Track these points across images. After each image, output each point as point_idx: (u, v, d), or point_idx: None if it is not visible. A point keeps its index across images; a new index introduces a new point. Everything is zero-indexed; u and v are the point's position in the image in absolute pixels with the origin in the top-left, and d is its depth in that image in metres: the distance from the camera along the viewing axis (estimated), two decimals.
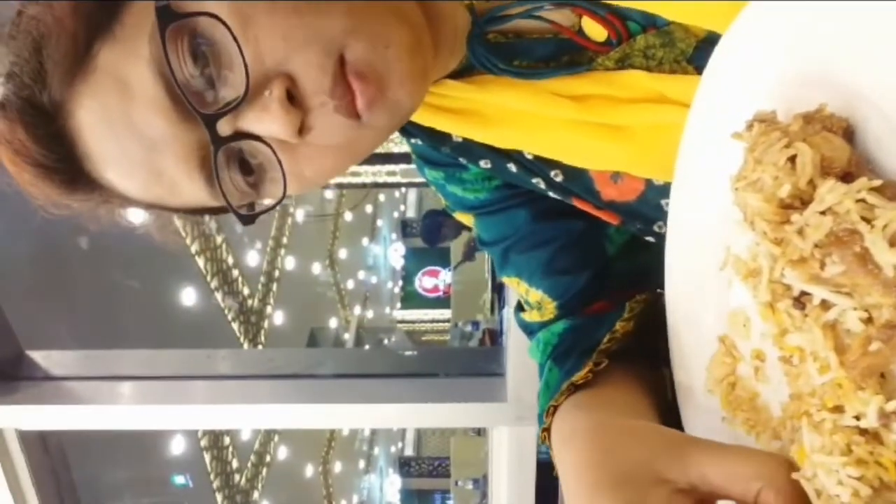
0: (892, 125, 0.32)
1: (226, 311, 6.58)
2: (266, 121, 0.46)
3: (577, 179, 0.61)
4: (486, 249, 0.71)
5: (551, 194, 0.63)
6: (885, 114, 0.32)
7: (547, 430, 0.54)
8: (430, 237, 9.05)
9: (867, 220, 0.29)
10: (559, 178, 0.62)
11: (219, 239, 6.17)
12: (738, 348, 0.47)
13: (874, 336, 0.30)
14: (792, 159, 0.33)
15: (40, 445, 1.69)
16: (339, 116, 0.47)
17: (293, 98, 0.46)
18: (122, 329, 4.80)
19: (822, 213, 0.31)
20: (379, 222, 14.32)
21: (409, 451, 15.34)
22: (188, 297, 5.99)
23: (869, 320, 0.30)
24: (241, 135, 0.47)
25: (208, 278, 6.07)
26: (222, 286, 6.37)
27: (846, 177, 0.32)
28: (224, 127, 0.47)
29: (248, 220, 0.53)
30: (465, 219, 0.71)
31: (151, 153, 0.48)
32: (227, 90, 0.46)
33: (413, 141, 0.67)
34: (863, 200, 0.30)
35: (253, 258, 7.51)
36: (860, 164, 0.33)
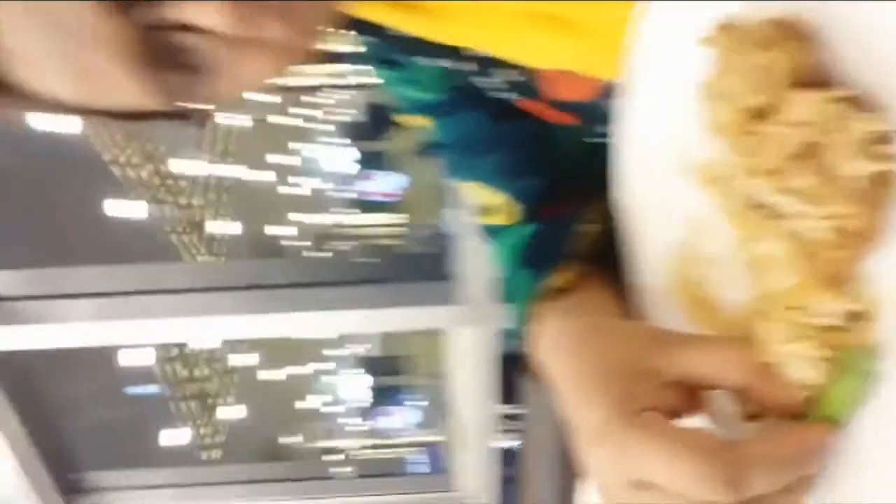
0: (861, 37, 0.31)
1: (175, 224, 6.43)
2: (207, 10, 0.42)
3: (530, 79, 0.60)
4: (442, 153, 0.70)
5: (505, 95, 0.62)
6: (854, 26, 0.32)
7: (527, 336, 0.55)
8: (374, 125, 8.78)
9: (837, 131, 0.30)
10: (512, 78, 0.60)
11: (159, 148, 5.92)
12: (698, 253, 0.49)
13: (838, 244, 0.31)
14: (763, 67, 0.33)
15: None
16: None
17: None
18: (66, 246, 4.65)
19: (793, 123, 0.31)
20: (329, 126, 13.91)
21: (376, 352, 15.75)
22: (127, 209, 5.80)
23: (835, 229, 0.31)
24: (179, 26, 0.43)
25: (147, 191, 5.86)
26: (165, 198, 6.18)
27: (816, 87, 0.32)
28: (161, 16, 0.42)
29: (192, 121, 0.50)
30: (419, 121, 0.69)
31: (79, 49, 0.42)
32: None
33: (362, 37, 0.64)
34: (832, 111, 0.30)
35: (198, 167, 7.26)
36: (829, 76, 0.32)
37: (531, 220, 0.66)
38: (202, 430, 7.03)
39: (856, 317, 0.33)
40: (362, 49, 0.68)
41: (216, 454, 7.10)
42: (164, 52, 0.44)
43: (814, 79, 0.32)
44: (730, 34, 0.36)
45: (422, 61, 0.62)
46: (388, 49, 0.63)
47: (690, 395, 0.38)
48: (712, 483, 0.31)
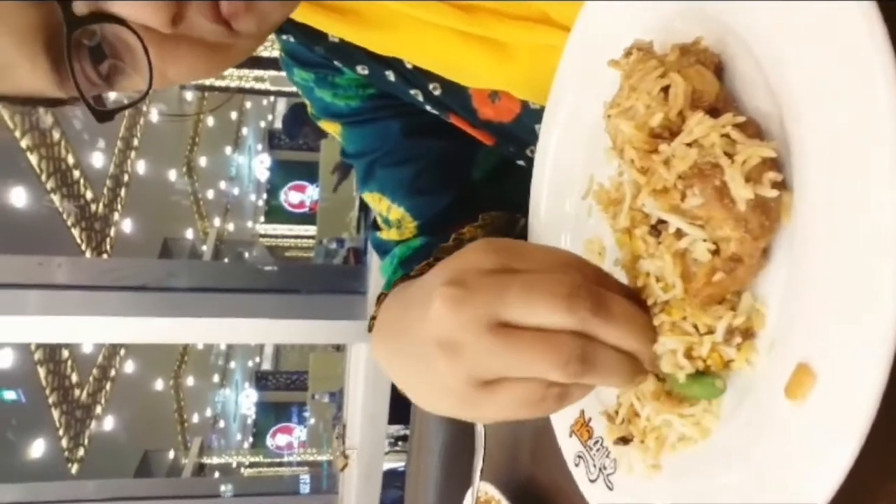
0: (759, 65, 0.32)
1: (64, 216, 5.99)
2: (136, 2, 0.39)
3: (456, 95, 0.60)
4: (350, 161, 0.69)
5: (428, 108, 0.62)
6: (753, 54, 0.33)
7: (375, 318, 0.54)
8: (292, 129, 8.55)
9: (729, 156, 0.30)
10: (438, 92, 0.60)
11: (56, 135, 5.52)
12: None
13: (718, 267, 0.32)
14: (665, 89, 0.33)
15: None
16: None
17: None
18: None
19: (689, 144, 0.31)
20: (244, 131, 13.53)
21: (266, 366, 15.27)
22: (17, 197, 5.37)
23: (716, 252, 0.32)
24: (102, 16, 0.40)
25: (43, 178, 5.45)
26: (60, 188, 5.76)
27: (713, 112, 0.32)
28: (80, 5, 0.39)
29: (104, 115, 0.46)
30: (331, 127, 0.68)
31: None
32: None
33: (284, 37, 0.62)
34: (727, 136, 0.30)
35: (98, 159, 6.83)
36: (727, 101, 0.33)
37: (426, 236, 0.66)
38: (72, 442, 6.51)
39: (734, 333, 0.33)
40: (281, 47, 0.66)
41: (87, 467, 6.60)
42: (76, 41, 0.40)
43: (714, 104, 0.33)
44: (636, 57, 0.37)
45: (345, 66, 0.61)
46: (310, 50, 0.62)
47: None
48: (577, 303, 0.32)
